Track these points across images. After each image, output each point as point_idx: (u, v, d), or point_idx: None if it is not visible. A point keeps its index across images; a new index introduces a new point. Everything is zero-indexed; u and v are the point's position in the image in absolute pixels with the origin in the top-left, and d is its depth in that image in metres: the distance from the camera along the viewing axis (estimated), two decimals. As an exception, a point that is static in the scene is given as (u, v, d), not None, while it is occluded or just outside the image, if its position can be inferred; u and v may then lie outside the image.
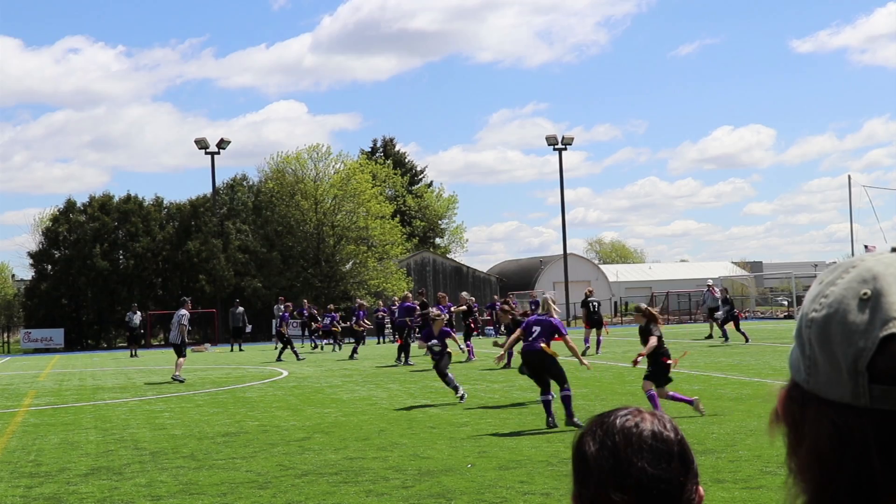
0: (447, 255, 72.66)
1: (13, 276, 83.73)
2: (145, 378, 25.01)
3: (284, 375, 23.95)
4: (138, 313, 40.40)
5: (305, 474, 10.04)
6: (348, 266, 59.45)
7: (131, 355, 37.30)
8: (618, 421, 1.59)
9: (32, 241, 63.36)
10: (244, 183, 61.41)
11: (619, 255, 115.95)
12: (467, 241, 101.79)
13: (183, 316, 23.92)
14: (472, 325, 31.73)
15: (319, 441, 12.36)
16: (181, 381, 22.24)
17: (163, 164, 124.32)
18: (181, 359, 23.27)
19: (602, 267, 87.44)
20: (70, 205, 57.90)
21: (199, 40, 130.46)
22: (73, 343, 51.87)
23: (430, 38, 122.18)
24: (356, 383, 20.90)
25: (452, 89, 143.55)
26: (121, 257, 56.26)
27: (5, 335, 59.50)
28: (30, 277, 60.28)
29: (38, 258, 57.73)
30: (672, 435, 1.59)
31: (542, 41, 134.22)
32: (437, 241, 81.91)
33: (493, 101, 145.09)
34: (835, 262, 1.14)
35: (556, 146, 61.56)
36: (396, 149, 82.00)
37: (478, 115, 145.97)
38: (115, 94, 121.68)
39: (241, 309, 39.22)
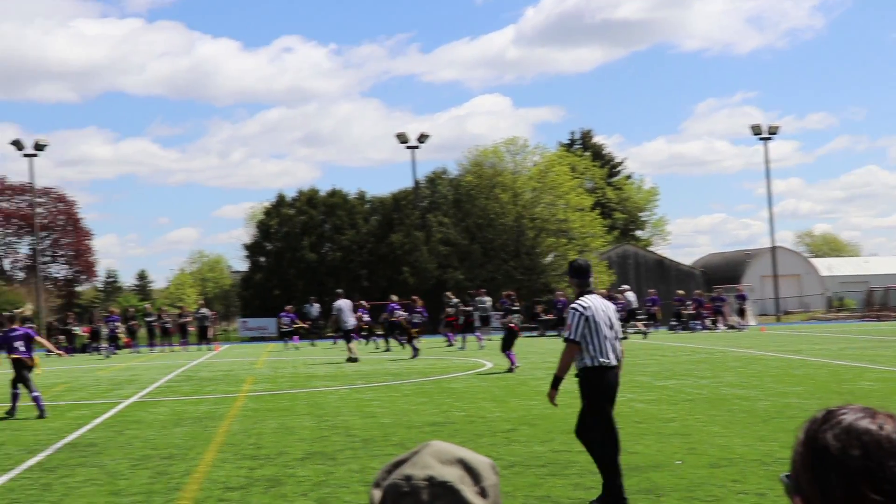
0: (649, 248, 71.50)
1: (229, 267, 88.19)
2: (354, 367, 25.77)
3: (489, 367, 24.17)
4: (316, 305, 41.64)
5: (512, 465, 10.09)
6: (549, 258, 59.41)
7: (295, 347, 38.93)
8: (860, 422, 1.53)
9: (247, 234, 66.37)
10: (444, 176, 62.41)
11: (832, 247, 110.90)
12: (669, 233, 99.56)
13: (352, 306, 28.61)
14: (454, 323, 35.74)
15: (525, 433, 12.40)
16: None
17: (369, 158, 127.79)
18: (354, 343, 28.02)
19: (812, 260, 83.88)
20: (280, 199, 60.46)
21: (406, 36, 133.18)
22: (286, 332, 53.95)
23: (636, 28, 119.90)
24: (559, 376, 20.84)
25: (657, 79, 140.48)
26: (328, 249, 58.28)
27: (224, 324, 62.68)
28: (245, 269, 63.31)
29: (252, 250, 60.59)
30: None
31: (752, 27, 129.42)
32: (639, 233, 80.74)
33: (700, 90, 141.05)
34: None
35: (762, 135, 59.55)
36: (594, 140, 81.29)
37: (683, 104, 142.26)
38: (325, 92, 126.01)
39: (455, 299, 39.03)
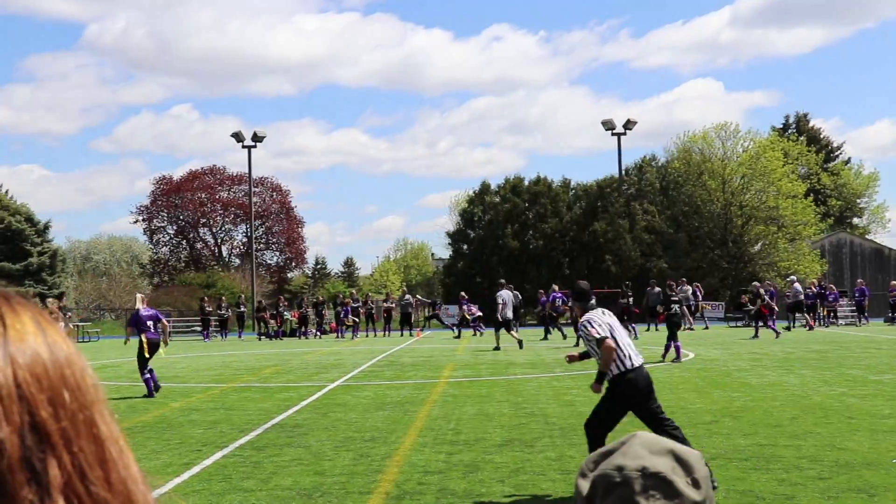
0: (866, 237, 68.10)
1: (432, 254, 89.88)
2: (554, 356, 25.69)
3: (691, 357, 23.61)
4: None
5: (714, 458, 9.80)
6: (757, 247, 57.60)
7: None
8: None
9: (450, 222, 67.47)
10: (652, 164, 61.39)
11: None
12: (889, 220, 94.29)
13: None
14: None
15: (728, 425, 12.04)
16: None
17: (574, 146, 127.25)
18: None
19: None
20: (485, 187, 61.00)
21: (617, 21, 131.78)
22: (487, 320, 54.55)
23: (862, 4, 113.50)
24: (765, 368, 20.13)
25: (884, 58, 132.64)
26: (530, 237, 58.33)
27: (425, 311, 63.88)
28: (448, 256, 64.27)
29: (455, 238, 61.39)
30: None
31: None
32: (856, 221, 77.05)
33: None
34: None
35: None
36: (810, 125, 78.03)
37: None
38: (533, 80, 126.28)
39: (658, 289, 38.21)
